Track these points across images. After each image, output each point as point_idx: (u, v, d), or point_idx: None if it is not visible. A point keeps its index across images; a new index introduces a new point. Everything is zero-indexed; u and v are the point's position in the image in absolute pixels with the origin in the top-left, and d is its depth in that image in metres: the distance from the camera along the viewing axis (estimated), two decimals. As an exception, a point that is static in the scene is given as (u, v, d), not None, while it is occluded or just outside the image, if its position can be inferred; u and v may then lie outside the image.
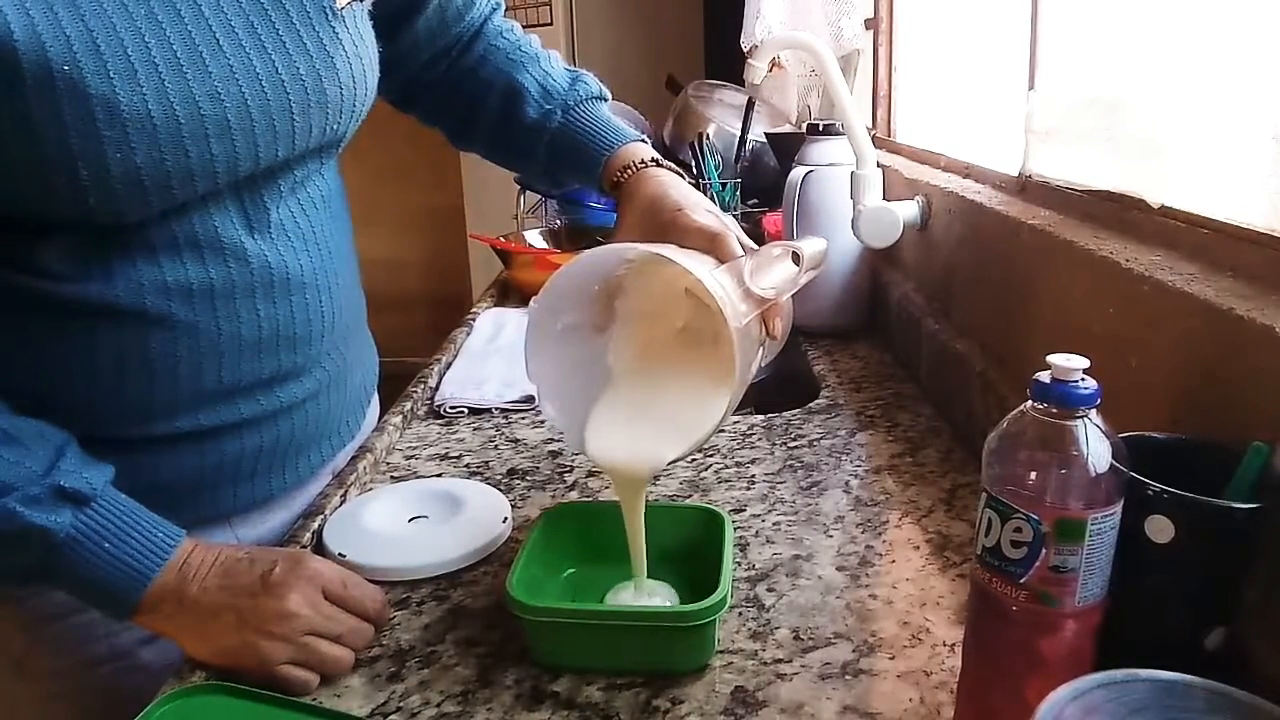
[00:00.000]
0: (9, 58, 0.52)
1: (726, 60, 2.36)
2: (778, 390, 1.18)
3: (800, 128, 1.73)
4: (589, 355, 0.68)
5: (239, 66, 0.61)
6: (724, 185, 1.64)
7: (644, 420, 0.65)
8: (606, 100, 0.91)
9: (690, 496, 0.85)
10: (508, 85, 0.89)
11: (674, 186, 0.77)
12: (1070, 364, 0.46)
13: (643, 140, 0.86)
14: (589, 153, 0.85)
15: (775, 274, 0.65)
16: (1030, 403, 0.47)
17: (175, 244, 0.64)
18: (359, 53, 0.71)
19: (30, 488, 0.57)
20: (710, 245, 0.68)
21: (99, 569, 0.59)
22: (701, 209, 0.72)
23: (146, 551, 0.61)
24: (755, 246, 0.71)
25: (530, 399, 1.07)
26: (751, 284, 0.62)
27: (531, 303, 0.63)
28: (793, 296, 0.70)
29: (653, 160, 0.81)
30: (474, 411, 1.07)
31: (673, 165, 0.82)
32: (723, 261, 0.67)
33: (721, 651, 0.63)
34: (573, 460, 0.93)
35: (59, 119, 0.54)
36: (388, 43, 0.86)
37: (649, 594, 0.67)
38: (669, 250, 0.62)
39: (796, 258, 0.67)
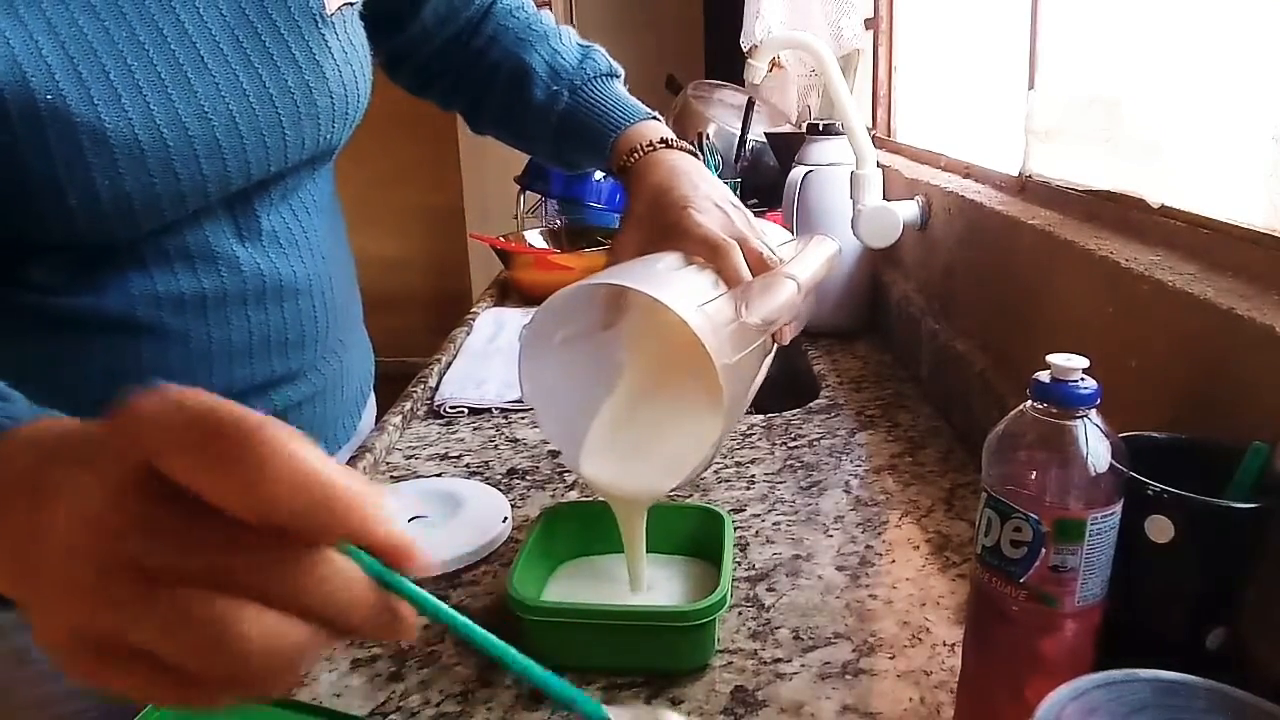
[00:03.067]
0: None
1: (726, 60, 2.36)
2: (778, 390, 1.18)
3: (800, 128, 1.73)
4: (596, 356, 0.67)
5: (225, 84, 0.60)
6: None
7: (640, 449, 0.64)
8: (618, 76, 0.86)
9: (690, 496, 0.85)
10: (515, 66, 0.86)
11: (682, 175, 0.72)
12: (1070, 364, 0.46)
13: (654, 117, 0.81)
14: (596, 134, 0.81)
15: (773, 301, 0.63)
16: (1030, 403, 0.47)
17: (166, 255, 0.63)
18: (349, 59, 0.70)
19: None
20: (712, 258, 0.65)
21: None
22: (709, 206, 0.69)
23: None
24: (768, 247, 0.68)
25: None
26: (748, 316, 0.60)
27: (522, 329, 0.61)
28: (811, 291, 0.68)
29: (662, 141, 0.76)
30: (474, 411, 1.07)
31: (685, 145, 0.77)
32: (725, 277, 0.64)
33: (721, 651, 0.63)
34: (573, 460, 0.93)
35: (45, 148, 0.53)
36: (398, 33, 0.85)
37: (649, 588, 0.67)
38: (655, 280, 0.59)
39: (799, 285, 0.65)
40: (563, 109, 0.84)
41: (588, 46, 0.88)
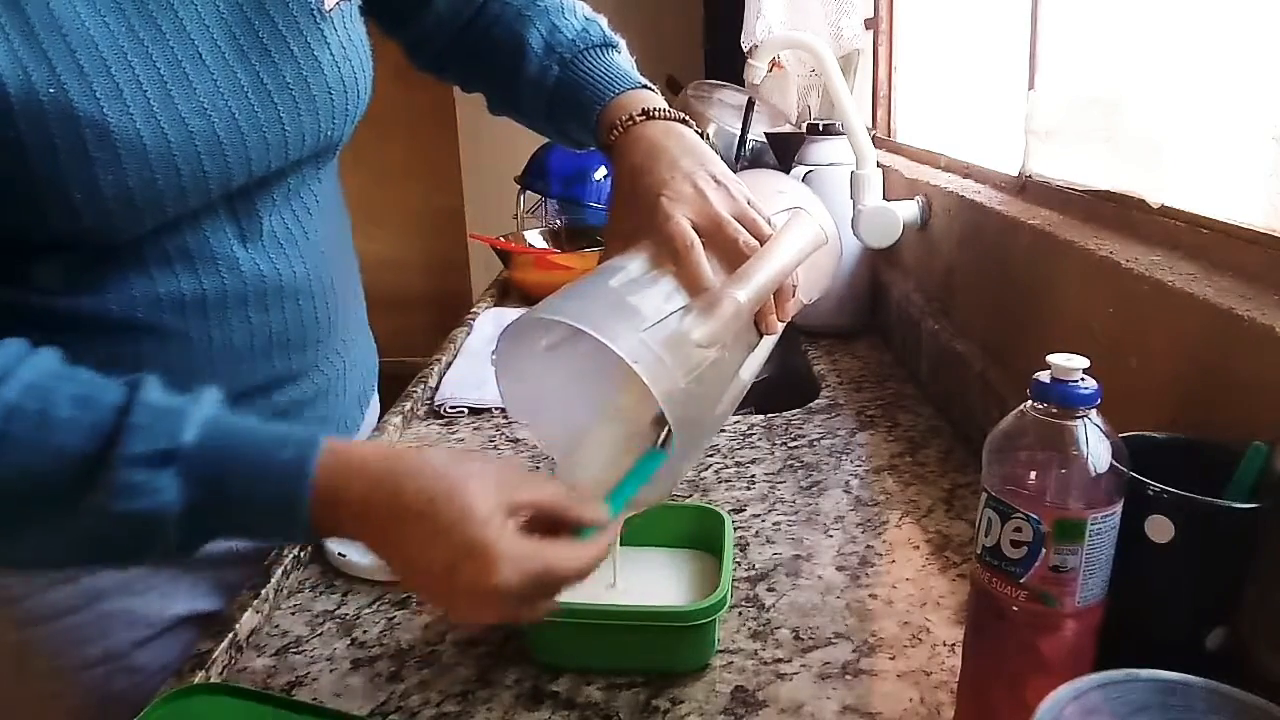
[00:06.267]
0: None
1: (726, 60, 2.36)
2: (778, 390, 1.18)
3: (800, 128, 1.73)
4: (585, 360, 0.66)
5: (223, 80, 0.60)
6: (724, 185, 1.63)
7: (625, 457, 0.62)
8: (614, 47, 0.80)
9: (690, 496, 0.85)
10: (515, 43, 0.82)
11: (661, 153, 0.66)
12: (1070, 364, 0.46)
13: (646, 86, 0.75)
14: (583, 107, 0.75)
15: (715, 321, 0.58)
16: (1030, 403, 0.47)
17: (167, 257, 0.63)
18: (347, 54, 0.69)
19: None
20: (673, 261, 0.60)
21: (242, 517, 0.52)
22: (686, 189, 0.63)
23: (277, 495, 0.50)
24: (747, 231, 0.63)
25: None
26: (692, 333, 0.57)
27: (492, 354, 0.59)
28: (809, 272, 0.66)
29: (643, 113, 0.70)
30: (474, 411, 1.07)
31: (674, 113, 0.71)
32: (684, 284, 0.60)
33: (721, 651, 0.63)
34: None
35: (50, 144, 0.54)
36: (416, 23, 0.85)
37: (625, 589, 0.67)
38: (598, 304, 0.57)
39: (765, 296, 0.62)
40: (553, 83, 0.80)
41: (590, 20, 0.84)
